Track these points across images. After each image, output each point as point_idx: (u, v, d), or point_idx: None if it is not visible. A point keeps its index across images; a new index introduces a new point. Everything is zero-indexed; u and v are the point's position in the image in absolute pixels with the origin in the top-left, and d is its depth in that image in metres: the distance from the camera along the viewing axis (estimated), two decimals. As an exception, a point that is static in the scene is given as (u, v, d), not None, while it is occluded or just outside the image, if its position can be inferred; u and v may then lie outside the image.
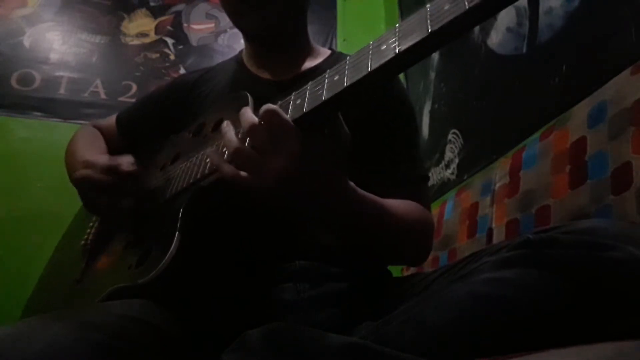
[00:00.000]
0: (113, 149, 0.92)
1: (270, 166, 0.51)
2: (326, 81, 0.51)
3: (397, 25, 0.47)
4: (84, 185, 0.73)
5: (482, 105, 1.49)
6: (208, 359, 0.52)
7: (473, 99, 1.55)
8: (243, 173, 0.53)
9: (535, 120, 1.17)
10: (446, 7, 0.41)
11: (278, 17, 0.80)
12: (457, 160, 1.63)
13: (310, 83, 0.54)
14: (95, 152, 0.86)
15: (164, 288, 0.58)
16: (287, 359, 0.43)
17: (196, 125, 0.80)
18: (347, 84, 0.48)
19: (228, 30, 2.27)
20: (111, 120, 1.00)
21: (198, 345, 0.58)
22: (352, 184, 0.60)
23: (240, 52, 0.94)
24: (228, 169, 0.55)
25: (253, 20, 0.80)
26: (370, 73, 0.47)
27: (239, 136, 0.55)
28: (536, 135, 1.09)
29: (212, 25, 2.29)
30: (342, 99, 0.50)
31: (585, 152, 0.86)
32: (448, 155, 1.69)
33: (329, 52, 0.93)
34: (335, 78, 0.50)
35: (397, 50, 0.45)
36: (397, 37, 0.46)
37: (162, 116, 0.92)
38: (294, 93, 0.56)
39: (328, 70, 0.52)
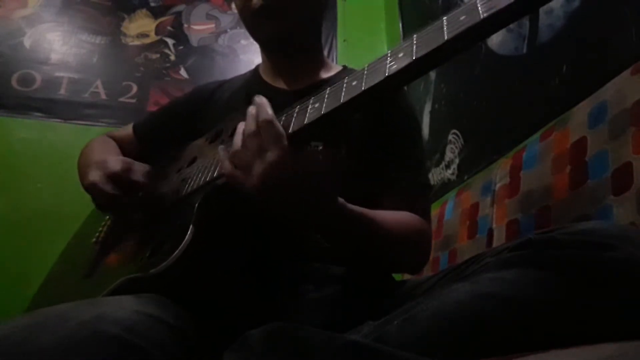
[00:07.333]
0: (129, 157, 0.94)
1: (258, 169, 0.55)
2: (344, 86, 0.54)
3: (414, 35, 0.51)
4: (92, 191, 0.76)
5: (482, 105, 1.49)
6: (210, 358, 0.52)
7: (473, 99, 1.55)
8: (237, 171, 0.58)
9: (536, 120, 1.17)
10: (462, 18, 0.46)
11: (293, 27, 0.84)
12: (457, 161, 1.63)
13: (312, 98, 0.57)
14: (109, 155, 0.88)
15: (174, 280, 0.58)
16: (288, 359, 0.43)
17: (214, 133, 0.82)
18: (365, 88, 0.51)
19: (228, 30, 2.28)
20: (126, 130, 1.03)
21: (205, 343, 0.58)
22: (341, 200, 0.62)
23: (257, 65, 0.99)
24: (227, 165, 0.60)
25: (269, 30, 0.84)
26: (387, 78, 0.50)
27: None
28: (536, 135, 1.08)
29: (213, 25, 2.29)
30: (346, 109, 0.53)
31: (585, 153, 0.86)
32: (448, 155, 1.69)
33: (340, 67, 0.97)
34: (354, 83, 0.53)
35: (414, 57, 0.48)
36: (414, 46, 0.49)
37: (180, 124, 0.95)
38: (297, 105, 0.59)
39: (346, 78, 0.55)
